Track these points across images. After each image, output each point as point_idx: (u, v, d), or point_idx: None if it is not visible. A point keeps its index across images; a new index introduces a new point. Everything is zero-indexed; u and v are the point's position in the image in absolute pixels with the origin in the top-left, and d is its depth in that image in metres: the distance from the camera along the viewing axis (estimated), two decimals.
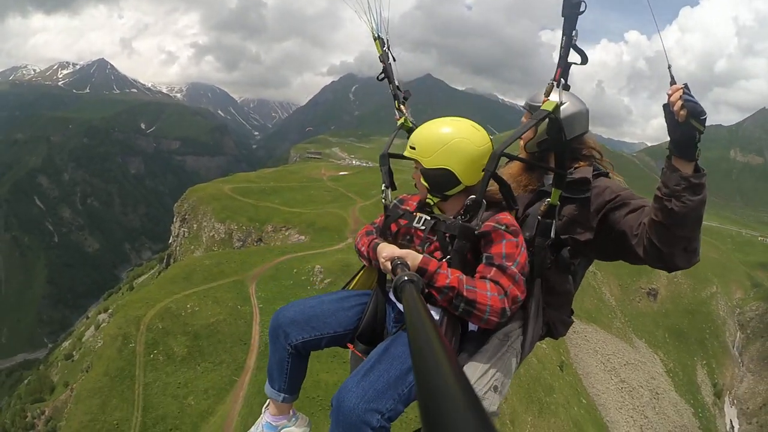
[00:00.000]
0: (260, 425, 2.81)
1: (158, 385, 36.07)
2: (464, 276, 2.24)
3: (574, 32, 2.18)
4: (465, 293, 2.18)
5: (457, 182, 2.43)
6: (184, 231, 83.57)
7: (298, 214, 74.62)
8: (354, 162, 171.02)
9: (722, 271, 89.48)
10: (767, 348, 74.39)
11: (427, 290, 2.21)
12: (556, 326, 2.74)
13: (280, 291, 44.89)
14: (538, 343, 2.70)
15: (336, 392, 2.15)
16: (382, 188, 2.80)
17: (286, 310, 2.66)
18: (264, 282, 46.71)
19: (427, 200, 2.56)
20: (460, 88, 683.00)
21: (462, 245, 2.34)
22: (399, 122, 3.09)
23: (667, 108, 2.11)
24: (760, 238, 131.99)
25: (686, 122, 2.07)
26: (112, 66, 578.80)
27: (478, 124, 2.53)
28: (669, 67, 2.14)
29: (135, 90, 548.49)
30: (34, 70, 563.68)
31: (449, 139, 2.40)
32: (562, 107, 2.39)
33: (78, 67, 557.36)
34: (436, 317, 2.35)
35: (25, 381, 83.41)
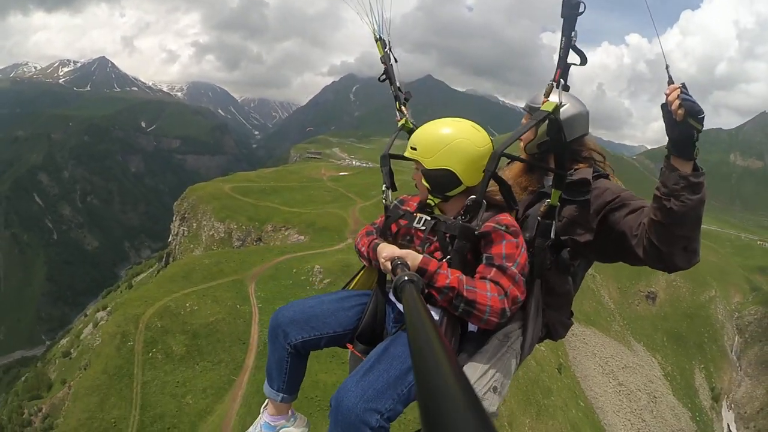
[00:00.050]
0: (258, 425, 2.80)
1: (156, 383, 36.07)
2: (464, 276, 2.24)
3: (573, 33, 2.18)
4: (465, 293, 2.18)
5: (459, 183, 2.43)
6: (183, 230, 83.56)
7: (298, 214, 74.62)
8: (354, 162, 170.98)
9: (721, 275, 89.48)
10: (765, 352, 74.32)
11: (427, 290, 2.20)
12: (555, 328, 2.74)
13: (280, 291, 44.89)
14: (536, 345, 2.70)
15: (335, 392, 2.14)
16: (383, 189, 2.80)
17: (286, 309, 2.66)
18: (263, 282, 46.71)
19: (428, 201, 2.56)
20: (460, 89, 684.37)
21: (462, 245, 2.34)
22: (400, 123, 3.10)
23: (665, 107, 2.12)
24: (759, 243, 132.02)
25: (684, 121, 2.08)
26: (113, 64, 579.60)
27: (478, 125, 2.54)
28: (667, 67, 2.15)
29: (136, 88, 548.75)
30: (35, 68, 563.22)
31: (450, 139, 2.40)
32: (562, 109, 2.39)
33: (79, 64, 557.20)
34: (436, 317, 2.34)
35: (23, 378, 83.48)
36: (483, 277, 2.27)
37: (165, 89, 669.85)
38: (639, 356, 70.13)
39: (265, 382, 2.78)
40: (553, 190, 2.48)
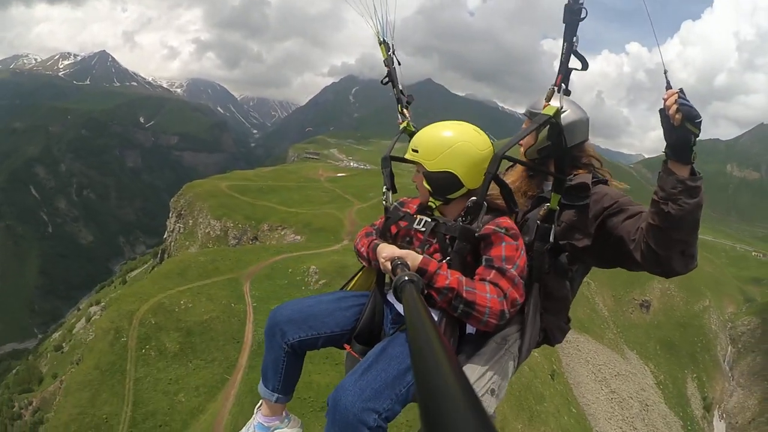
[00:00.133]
0: (252, 426, 2.78)
1: (149, 380, 35.98)
2: (464, 277, 2.25)
3: (575, 38, 2.22)
4: (464, 294, 2.18)
5: (460, 185, 2.44)
6: (179, 226, 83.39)
7: (295, 214, 74.56)
8: (352, 164, 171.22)
9: (715, 285, 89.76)
10: (758, 363, 74.46)
11: (426, 291, 2.20)
12: (553, 332, 2.75)
13: (275, 290, 44.81)
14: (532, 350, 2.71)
15: (332, 391, 2.13)
16: (383, 190, 2.80)
17: (284, 308, 2.65)
18: (259, 281, 46.63)
19: (429, 203, 2.56)
20: (460, 93, 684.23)
21: (462, 247, 2.35)
22: (401, 126, 3.12)
23: (663, 112, 2.14)
24: (754, 254, 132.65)
25: (681, 126, 2.10)
26: (113, 58, 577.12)
27: (479, 128, 2.55)
28: (665, 73, 2.19)
29: (135, 83, 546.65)
30: (36, 60, 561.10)
31: (453, 142, 2.42)
32: (563, 114, 2.42)
33: (79, 58, 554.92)
34: (435, 318, 2.35)
35: (14, 371, 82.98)
36: (482, 279, 2.27)
37: (165, 85, 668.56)
38: (632, 364, 70.20)
39: (260, 381, 2.76)
40: (552, 194, 2.49)
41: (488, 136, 2.57)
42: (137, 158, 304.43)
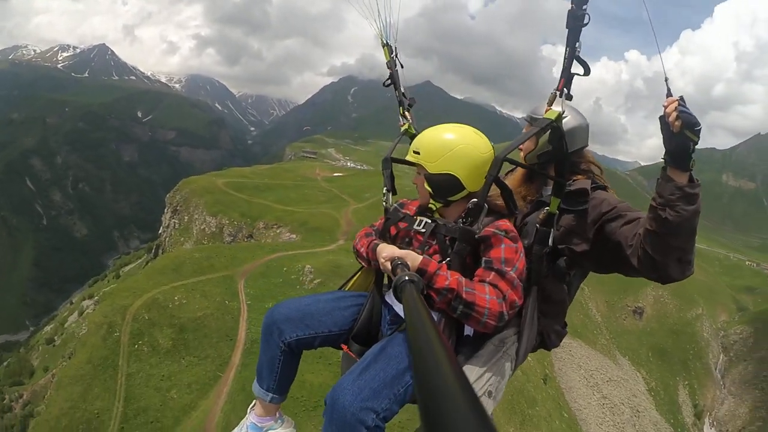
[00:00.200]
0: (245, 425, 2.76)
1: (141, 376, 35.82)
2: (463, 278, 2.25)
3: (577, 44, 2.24)
4: (464, 295, 2.18)
5: (461, 188, 2.45)
6: (174, 222, 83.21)
7: (291, 213, 74.38)
8: (349, 164, 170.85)
9: (709, 294, 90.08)
10: (749, 372, 74.76)
11: (425, 291, 2.20)
12: (549, 336, 2.76)
13: (269, 289, 44.70)
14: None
15: (330, 391, 2.11)
16: (384, 191, 2.81)
17: (281, 306, 2.64)
18: (253, 279, 46.50)
19: (430, 205, 2.57)
20: (458, 96, 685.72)
21: (462, 248, 2.36)
22: (403, 128, 3.13)
23: (663, 119, 2.16)
24: (747, 263, 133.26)
25: (681, 133, 2.12)
26: (112, 52, 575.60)
27: (480, 132, 2.57)
28: (666, 80, 2.21)
29: (134, 77, 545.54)
30: (35, 51, 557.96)
31: (455, 145, 2.43)
32: (564, 120, 2.43)
33: (78, 50, 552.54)
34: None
35: (5, 363, 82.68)
36: (482, 280, 2.27)
37: (163, 80, 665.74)
38: (624, 370, 70.37)
39: (255, 381, 2.74)
40: (552, 198, 2.51)
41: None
42: (134, 152, 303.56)
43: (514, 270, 2.30)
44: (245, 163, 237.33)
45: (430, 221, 2.51)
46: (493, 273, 2.28)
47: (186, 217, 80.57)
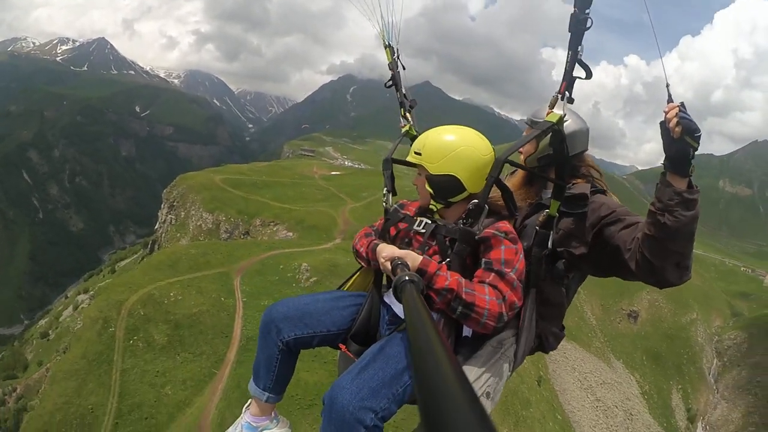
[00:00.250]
0: (240, 425, 2.73)
1: (136, 372, 35.74)
2: (463, 279, 2.25)
3: (579, 47, 2.24)
4: (464, 296, 2.18)
5: (462, 189, 2.46)
6: (171, 218, 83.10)
7: (288, 210, 74.34)
8: (347, 163, 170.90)
9: (704, 299, 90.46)
10: (743, 377, 75.06)
11: (425, 292, 2.19)
12: (547, 339, 2.77)
13: (265, 286, 44.67)
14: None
15: (328, 390, 2.10)
16: (384, 192, 2.82)
17: (280, 305, 2.62)
18: (249, 276, 46.45)
19: (430, 206, 2.58)
20: (457, 97, 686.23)
21: (462, 249, 2.36)
22: (404, 130, 3.13)
23: (664, 125, 2.18)
24: (743, 269, 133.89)
25: (681, 139, 2.13)
26: (111, 46, 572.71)
27: (481, 133, 2.58)
28: (667, 86, 2.22)
29: (133, 72, 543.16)
30: (34, 43, 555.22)
31: (456, 146, 2.44)
32: (564, 124, 2.43)
33: (77, 44, 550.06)
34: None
35: None
36: (481, 281, 2.27)
37: (162, 75, 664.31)
38: (618, 373, 70.56)
39: (251, 380, 2.72)
40: (552, 200, 2.52)
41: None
42: (131, 147, 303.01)
43: (513, 271, 2.30)
44: (243, 159, 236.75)
45: (430, 222, 2.52)
46: (492, 274, 2.28)
47: (183, 213, 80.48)
